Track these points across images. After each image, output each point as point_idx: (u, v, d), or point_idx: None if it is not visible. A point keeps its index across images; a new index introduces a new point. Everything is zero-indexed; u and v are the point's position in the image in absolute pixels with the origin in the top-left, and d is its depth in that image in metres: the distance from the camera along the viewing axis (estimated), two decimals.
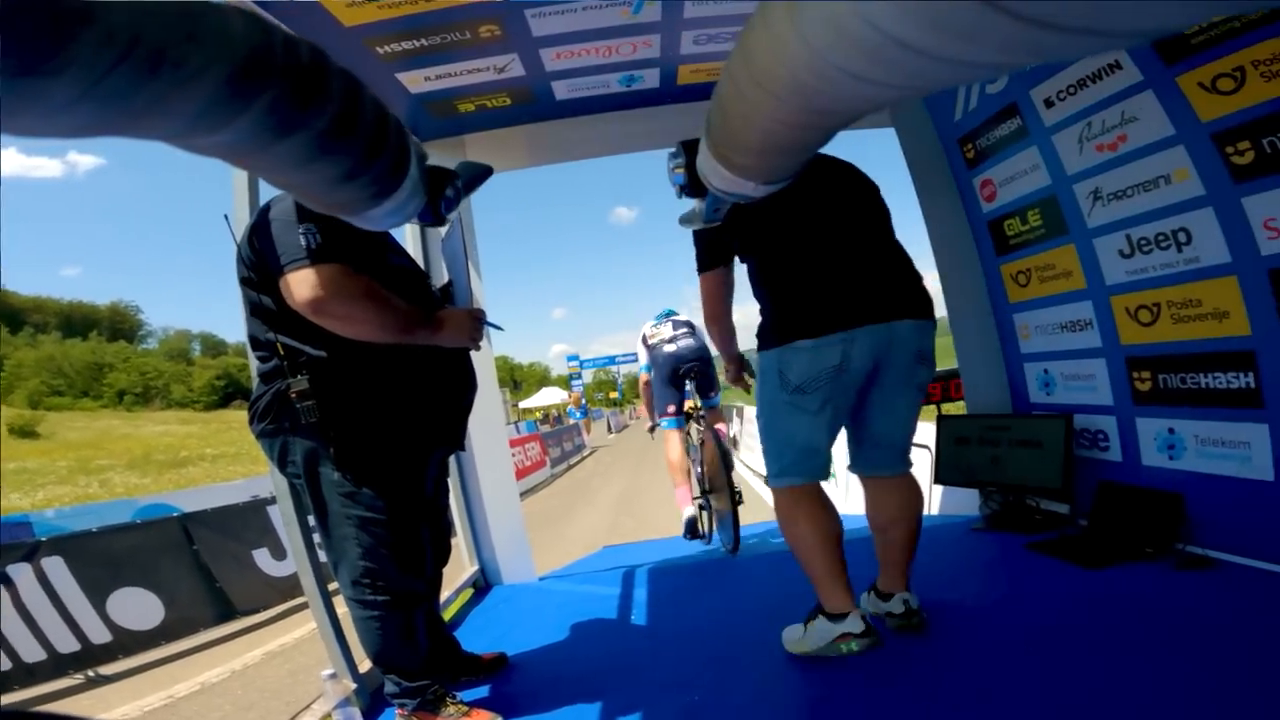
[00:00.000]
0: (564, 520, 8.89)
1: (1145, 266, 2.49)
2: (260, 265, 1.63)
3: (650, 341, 4.53)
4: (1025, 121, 2.84)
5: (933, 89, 0.60)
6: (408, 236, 3.21)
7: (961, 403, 3.62)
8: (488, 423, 3.22)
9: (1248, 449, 2.22)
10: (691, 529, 4.18)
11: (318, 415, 1.63)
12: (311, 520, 1.82)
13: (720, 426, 4.17)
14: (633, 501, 9.85)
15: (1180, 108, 2.16)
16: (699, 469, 4.19)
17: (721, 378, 3.48)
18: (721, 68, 3.11)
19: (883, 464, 2.05)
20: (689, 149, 1.30)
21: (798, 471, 1.98)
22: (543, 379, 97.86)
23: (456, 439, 2.00)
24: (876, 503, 2.09)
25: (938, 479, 3.40)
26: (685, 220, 1.67)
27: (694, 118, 3.38)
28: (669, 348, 4.37)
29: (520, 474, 12.65)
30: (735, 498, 3.54)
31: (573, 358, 53.64)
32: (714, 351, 3.17)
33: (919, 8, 0.43)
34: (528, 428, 29.11)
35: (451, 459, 3.13)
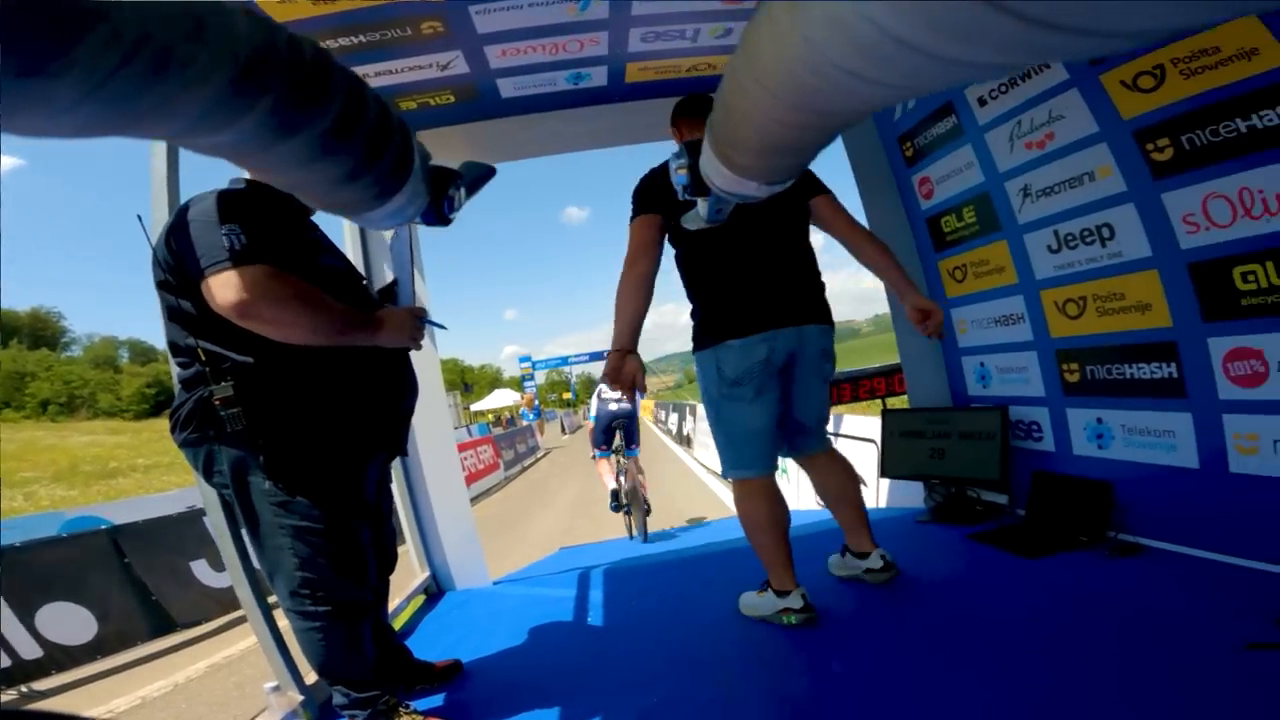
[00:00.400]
0: (520, 523, 8.84)
1: (1072, 261, 2.59)
2: (179, 268, 1.55)
3: (602, 398, 6.65)
4: (960, 120, 2.93)
5: (932, 89, 0.60)
6: (346, 237, 3.12)
7: (904, 397, 3.71)
8: (434, 426, 3.16)
9: (1172, 438, 2.33)
10: (615, 497, 6.36)
11: (244, 423, 1.56)
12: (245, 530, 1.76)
13: (641, 477, 6.46)
14: (589, 504, 9.83)
15: (1103, 105, 2.25)
16: (624, 484, 6.31)
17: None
18: (668, 65, 3.03)
19: (809, 445, 2.37)
20: (693, 149, 1.32)
21: (749, 463, 2.21)
22: (495, 381, 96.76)
23: (397, 444, 1.95)
24: (821, 480, 2.43)
25: (883, 472, 3.48)
26: (687, 221, 1.70)
27: (643, 116, 3.43)
28: (612, 406, 6.53)
29: (473, 478, 12.50)
30: (646, 510, 5.98)
31: (525, 359, 53.16)
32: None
33: (920, 7, 0.43)
34: (480, 430, 28.83)
35: (397, 464, 3.07)
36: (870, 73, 0.55)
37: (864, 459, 4.42)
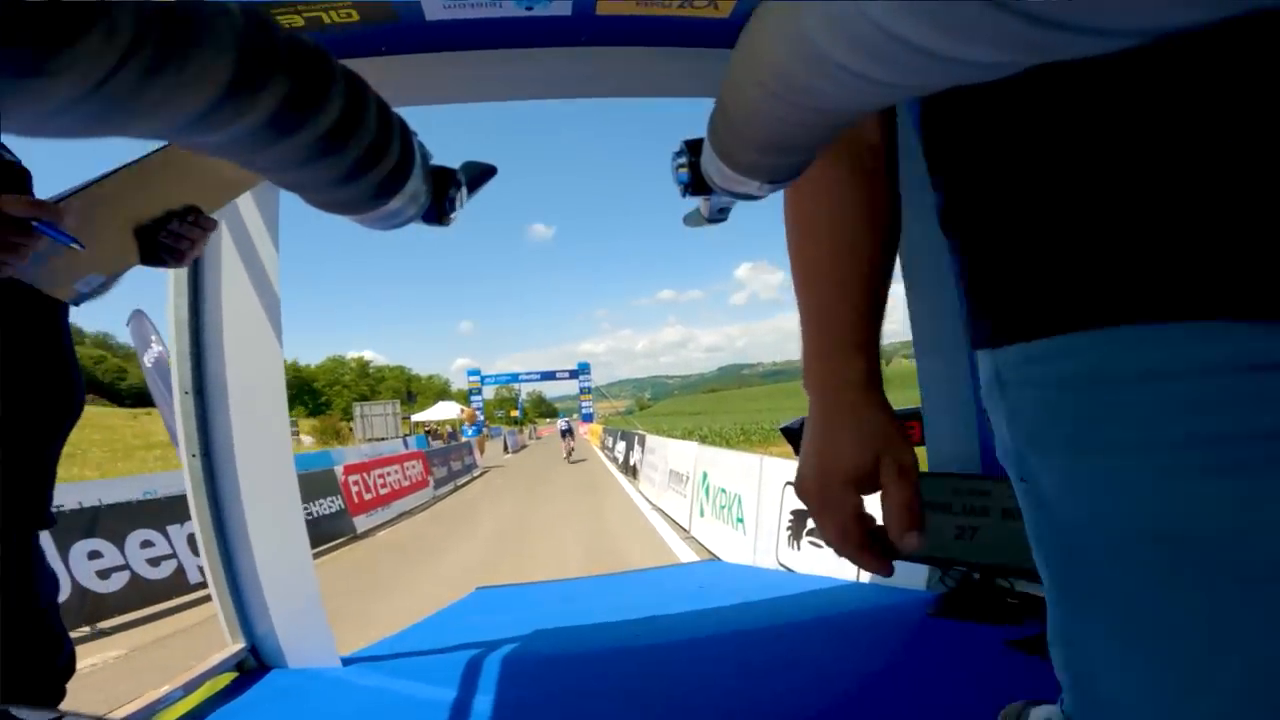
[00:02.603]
0: (435, 553, 7.90)
1: None
2: None
3: (559, 425, 28.32)
4: None
5: (936, 87, 0.49)
6: None
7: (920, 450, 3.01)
8: (266, 447, 2.28)
9: None
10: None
11: None
12: None
13: (571, 442, 24.58)
14: (520, 533, 8.94)
15: None
16: (567, 448, 24.17)
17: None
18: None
19: None
20: (693, 148, 1.08)
21: None
22: (441, 392, 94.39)
23: (30, 508, 1.09)
24: None
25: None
26: (689, 220, 1.54)
27: (613, 64, 2.60)
28: (560, 427, 27.01)
29: (398, 494, 11.50)
30: (570, 455, 23.57)
31: (474, 372, 51.85)
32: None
33: (923, 7, 0.37)
34: (418, 443, 27.62)
35: (201, 491, 2.18)
36: (873, 72, 0.47)
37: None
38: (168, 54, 0.50)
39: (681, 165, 1.18)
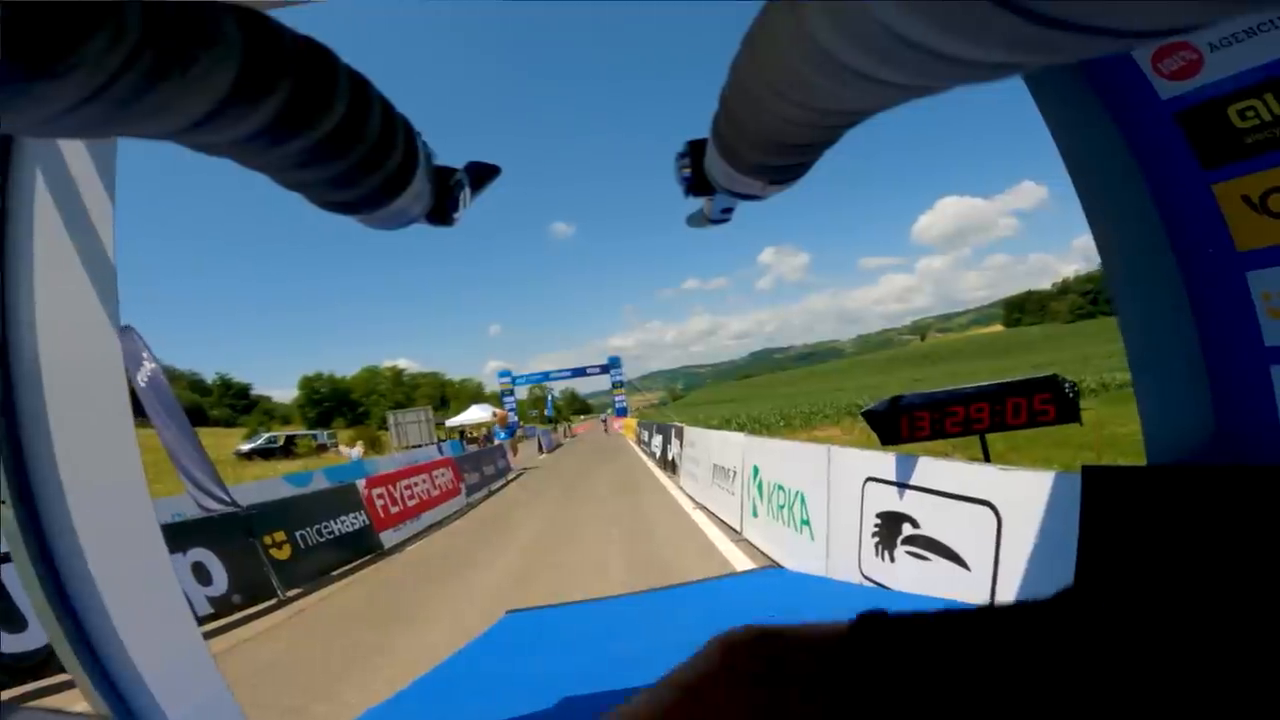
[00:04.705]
0: (466, 569, 7.25)
1: None
2: None
3: (601, 418, 41.34)
4: None
5: (942, 88, 0.55)
6: None
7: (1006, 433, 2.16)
8: (108, 479, 1.51)
9: None
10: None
11: None
12: None
13: (606, 428, 44.21)
14: (558, 543, 8.22)
15: None
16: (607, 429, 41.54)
17: None
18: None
19: None
20: (696, 149, 1.33)
21: None
22: (476, 395, 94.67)
23: None
24: None
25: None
26: (692, 221, 1.64)
27: None
28: (601, 418, 45.44)
29: (428, 504, 10.91)
30: (606, 430, 45.65)
31: (504, 374, 51.62)
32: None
33: (929, 7, 0.42)
34: (453, 448, 27.21)
35: (21, 551, 1.46)
36: (879, 73, 0.54)
37: (971, 533, 2.84)
38: (173, 57, 0.54)
39: (685, 166, 1.42)
